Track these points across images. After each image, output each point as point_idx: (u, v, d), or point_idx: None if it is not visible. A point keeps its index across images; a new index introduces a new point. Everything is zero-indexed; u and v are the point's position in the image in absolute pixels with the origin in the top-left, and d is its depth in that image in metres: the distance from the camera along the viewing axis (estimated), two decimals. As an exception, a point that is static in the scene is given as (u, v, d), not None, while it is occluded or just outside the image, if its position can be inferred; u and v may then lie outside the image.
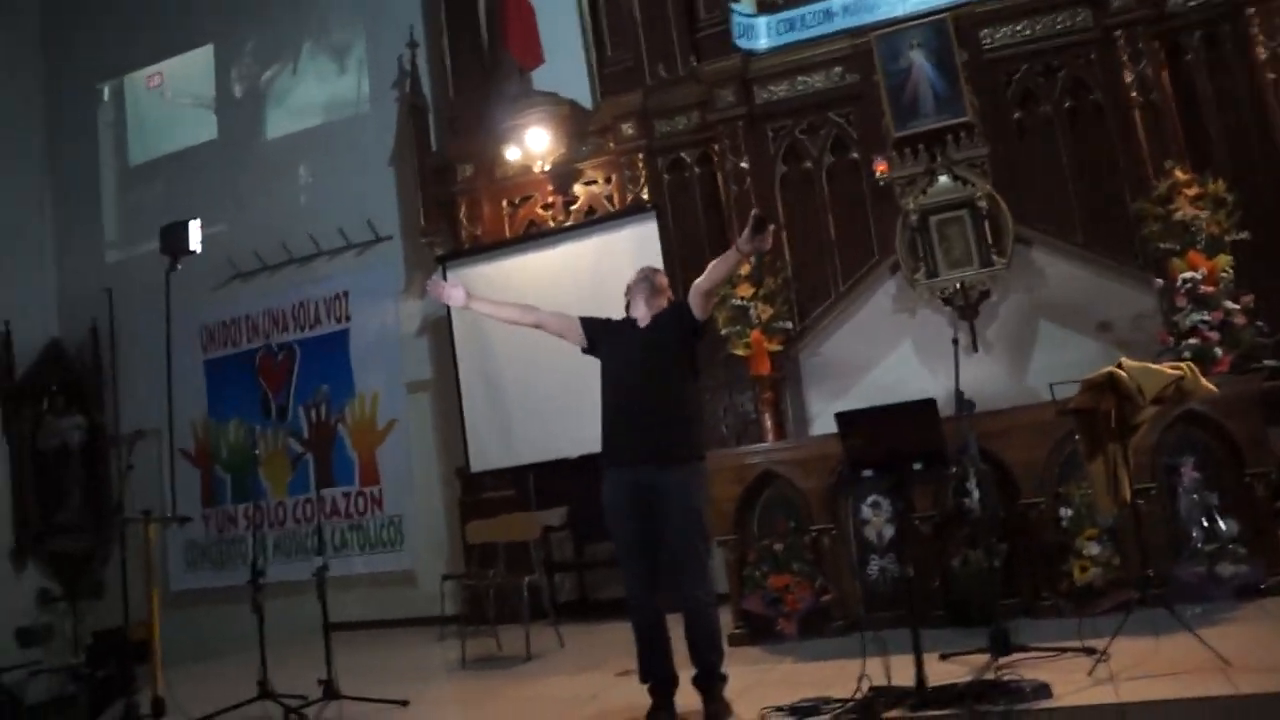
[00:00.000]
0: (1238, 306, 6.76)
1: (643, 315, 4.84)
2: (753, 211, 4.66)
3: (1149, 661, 4.37)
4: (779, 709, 4.38)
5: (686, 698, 4.60)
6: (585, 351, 4.96)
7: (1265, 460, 5.59)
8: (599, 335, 4.90)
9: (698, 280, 4.74)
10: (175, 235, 6.26)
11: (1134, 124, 7.58)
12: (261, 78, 11.32)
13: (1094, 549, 5.55)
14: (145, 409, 9.41)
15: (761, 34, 8.69)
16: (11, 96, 11.77)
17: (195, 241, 6.24)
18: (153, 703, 4.18)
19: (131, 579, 6.05)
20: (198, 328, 10.79)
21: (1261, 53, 7.40)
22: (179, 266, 6.27)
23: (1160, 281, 7.05)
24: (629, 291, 4.94)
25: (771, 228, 4.58)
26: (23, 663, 9.58)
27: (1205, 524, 5.48)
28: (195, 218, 6.45)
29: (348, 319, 10.26)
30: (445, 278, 9.31)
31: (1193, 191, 6.99)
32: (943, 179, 7.70)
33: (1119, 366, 4.76)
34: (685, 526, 4.60)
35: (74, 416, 11.19)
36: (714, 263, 4.72)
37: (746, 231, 4.45)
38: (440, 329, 9.63)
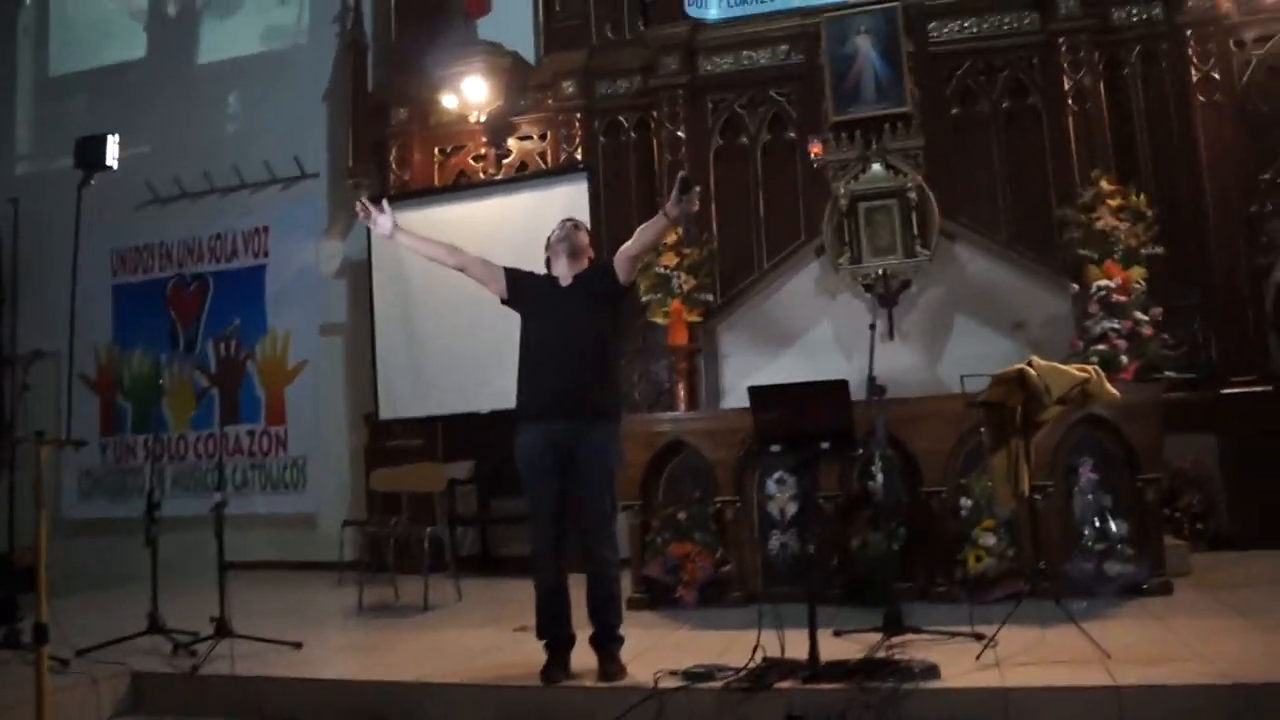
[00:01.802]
0: (1147, 318, 6.99)
1: (564, 274, 4.80)
2: (680, 173, 4.65)
3: (1035, 650, 4.50)
4: (673, 673, 4.40)
5: (582, 657, 4.62)
6: (504, 303, 4.89)
7: (1158, 467, 5.78)
8: (521, 289, 4.85)
9: (626, 245, 4.71)
10: (91, 149, 6.02)
11: (1067, 131, 7.76)
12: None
13: (990, 540, 5.69)
14: (46, 330, 9.05)
15: (713, 4, 8.70)
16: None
17: (112, 157, 6.01)
18: (35, 629, 4.06)
19: (20, 503, 5.89)
20: (108, 250, 10.46)
21: (1194, 74, 7.63)
22: (93, 182, 6.04)
23: (1076, 287, 7.24)
24: (549, 248, 4.88)
25: (697, 189, 4.56)
26: (-102, 586, 9.28)
27: (1097, 523, 5.65)
28: (114, 133, 6.22)
29: (266, 254, 10.03)
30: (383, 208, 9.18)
31: (1116, 203, 7.17)
32: (876, 167, 7.80)
33: (1029, 364, 4.86)
34: (598, 487, 4.61)
35: (-32, 331, 10.82)
36: (642, 227, 4.69)
37: (674, 194, 4.43)
38: (359, 272, 9.49)
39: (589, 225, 5.22)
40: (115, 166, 6.04)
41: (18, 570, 6.48)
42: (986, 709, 3.90)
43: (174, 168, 10.29)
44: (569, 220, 4.97)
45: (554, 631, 4.65)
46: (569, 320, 4.66)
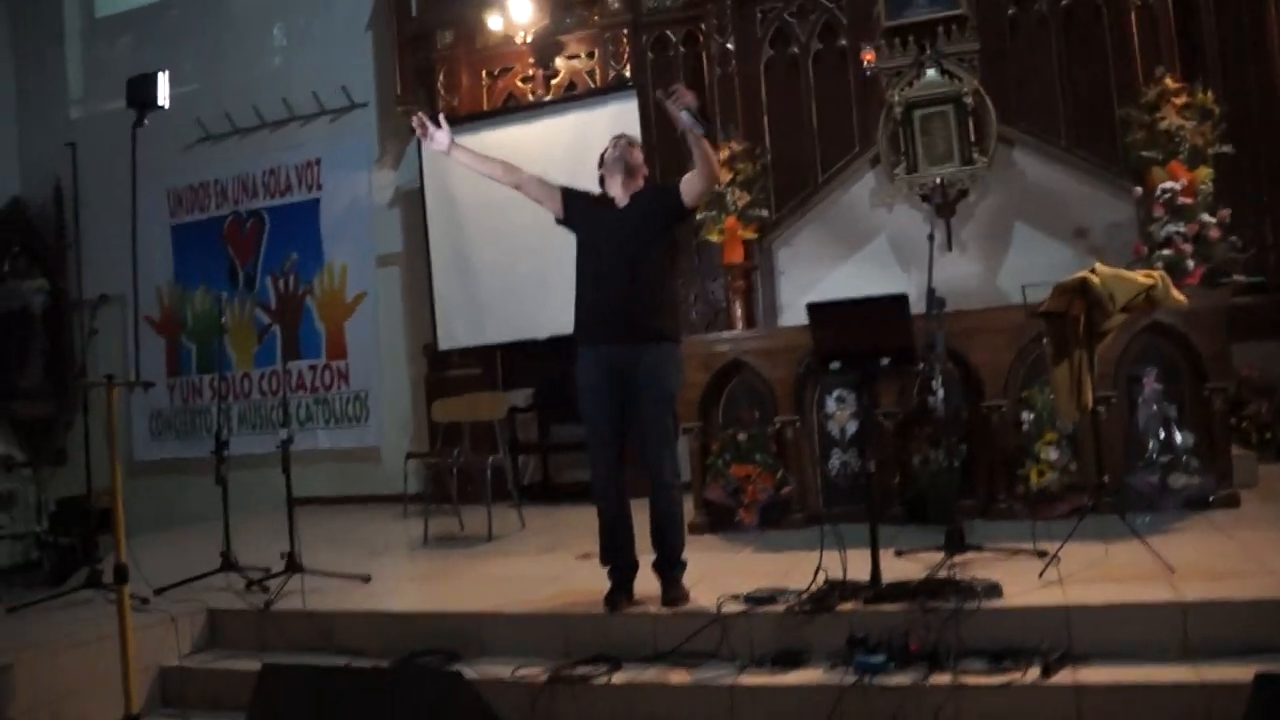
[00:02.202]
0: (1214, 220, 6.77)
1: (620, 195, 4.71)
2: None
3: (1098, 566, 4.45)
4: (735, 597, 4.42)
5: (645, 583, 4.66)
6: (559, 222, 4.81)
7: (1226, 375, 5.63)
8: (577, 209, 4.78)
9: (694, 176, 4.56)
10: (142, 88, 5.99)
11: (1129, 27, 7.44)
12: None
13: (1052, 454, 5.61)
14: (109, 273, 9.22)
15: (761, -91, 8.44)
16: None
17: (164, 95, 5.98)
18: (115, 570, 4.18)
19: (94, 446, 6.03)
20: (164, 191, 10.55)
21: (1266, -33, 7.25)
22: (146, 122, 6.02)
23: (1139, 190, 7.03)
24: (603, 166, 4.77)
25: (675, 88, 4.45)
26: (-14, 528, 9.65)
27: (1162, 435, 5.54)
28: (164, 70, 6.20)
29: (319, 187, 10.06)
30: (421, 150, 9.15)
31: (1181, 101, 6.93)
32: (930, 72, 7.60)
33: (1092, 272, 4.75)
34: (658, 409, 4.58)
35: (36, 279, 11.00)
36: (698, 159, 4.52)
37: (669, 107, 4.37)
38: (413, 201, 9.48)
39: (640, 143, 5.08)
40: (167, 105, 6.01)
41: (95, 512, 6.68)
42: (1050, 627, 3.87)
43: (224, 104, 10.31)
44: (622, 137, 4.84)
45: (617, 558, 4.68)
46: (626, 241, 4.59)
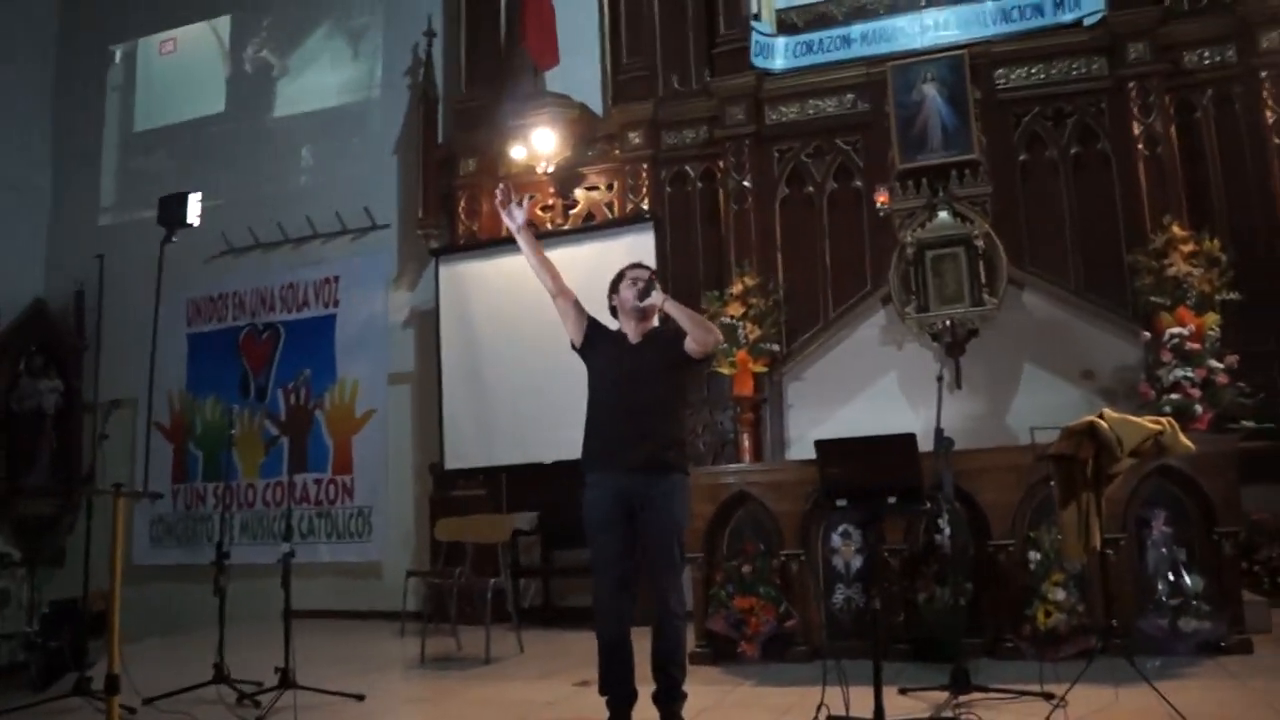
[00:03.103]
0: (1221, 365, 6.81)
1: (632, 333, 4.79)
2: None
3: (1107, 711, 4.38)
4: (734, 731, 4.35)
5: (644, 713, 4.57)
6: (574, 349, 4.87)
7: (1235, 520, 5.59)
8: (596, 340, 4.84)
9: (689, 340, 4.62)
10: (174, 207, 6.13)
11: (1137, 176, 7.64)
12: (275, 54, 11.26)
13: (1059, 594, 5.53)
14: (124, 377, 9.33)
15: (779, 54, 8.74)
16: (23, 50, 11.70)
17: (194, 215, 6.12)
18: (107, 680, 4.12)
19: (94, 548, 6.00)
20: (184, 300, 10.73)
21: (1270, 116, 7.46)
22: (175, 239, 6.18)
23: (1148, 335, 7.10)
24: (615, 293, 4.84)
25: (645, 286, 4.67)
26: (-26, 628, 9.52)
27: (1171, 578, 5.46)
28: (195, 190, 6.35)
29: (336, 304, 10.21)
30: (438, 272, 9.31)
31: (1188, 248, 7.04)
32: (943, 214, 7.75)
33: (1100, 416, 4.76)
34: (667, 539, 4.55)
35: (52, 379, 11.11)
36: (685, 325, 4.64)
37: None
38: (427, 321, 9.61)
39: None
40: (197, 223, 6.15)
41: (89, 615, 6.62)
42: (1056, 774, 3.78)
43: (248, 218, 10.57)
44: (638, 271, 4.88)
45: (617, 687, 4.59)
46: (637, 375, 4.63)
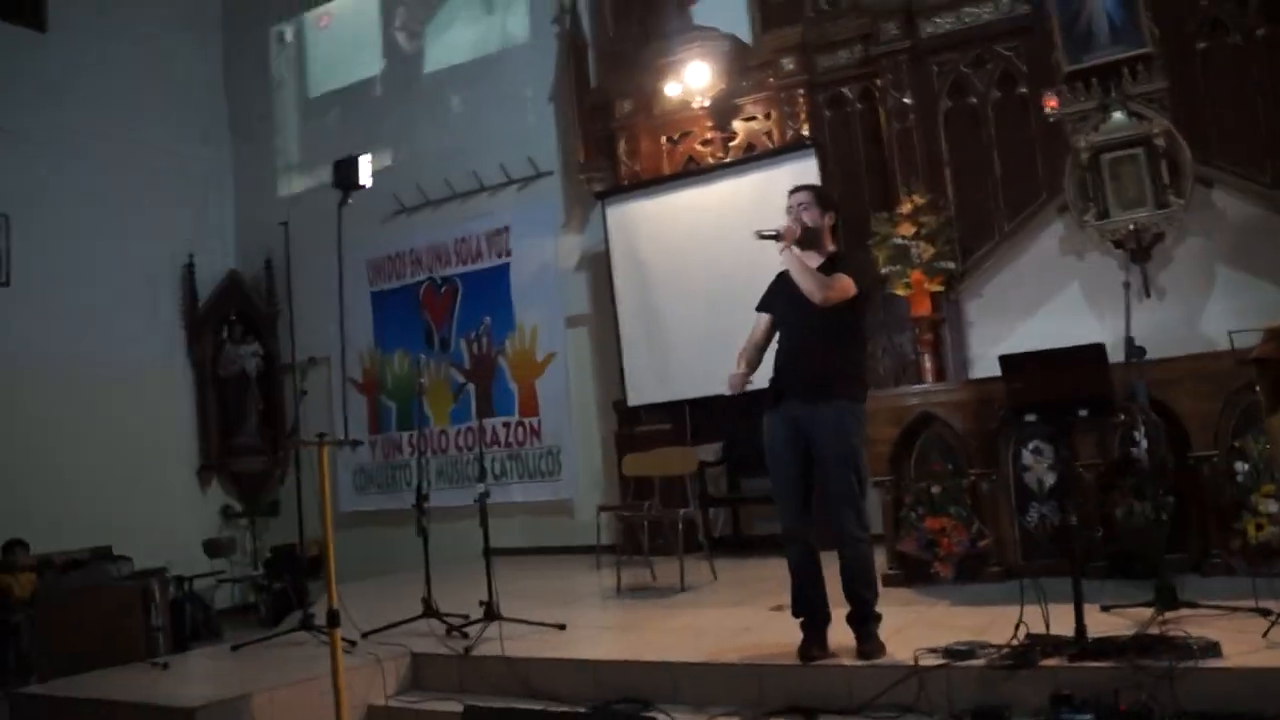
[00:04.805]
0: None
1: None
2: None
3: (1329, 625, 4.20)
4: (933, 650, 4.35)
5: (841, 635, 4.63)
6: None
7: None
8: (772, 300, 4.93)
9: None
10: (347, 170, 6.36)
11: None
12: (425, 14, 11.45)
13: (1272, 506, 5.31)
14: (316, 338, 9.79)
15: (930, -39, 8.42)
16: (192, 40, 12.26)
17: (366, 176, 6.35)
18: (328, 615, 4.42)
19: (305, 499, 6.39)
20: (364, 261, 11.17)
21: None
22: (350, 201, 6.43)
23: (1356, 225, 6.65)
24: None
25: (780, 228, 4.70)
26: (210, 572, 10.29)
27: (1397, 481, 5.19)
28: (366, 153, 6.59)
29: (509, 253, 10.46)
30: (605, 215, 9.43)
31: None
32: (1117, 115, 7.39)
33: (1306, 314, 4.53)
34: (839, 464, 4.60)
35: (251, 344, 11.85)
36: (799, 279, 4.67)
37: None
38: (599, 264, 9.75)
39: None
40: (369, 185, 6.38)
41: (306, 560, 7.08)
42: (1276, 691, 3.65)
43: (416, 176, 10.89)
44: (793, 198, 4.89)
45: (809, 609, 4.68)
46: (800, 310, 4.68)
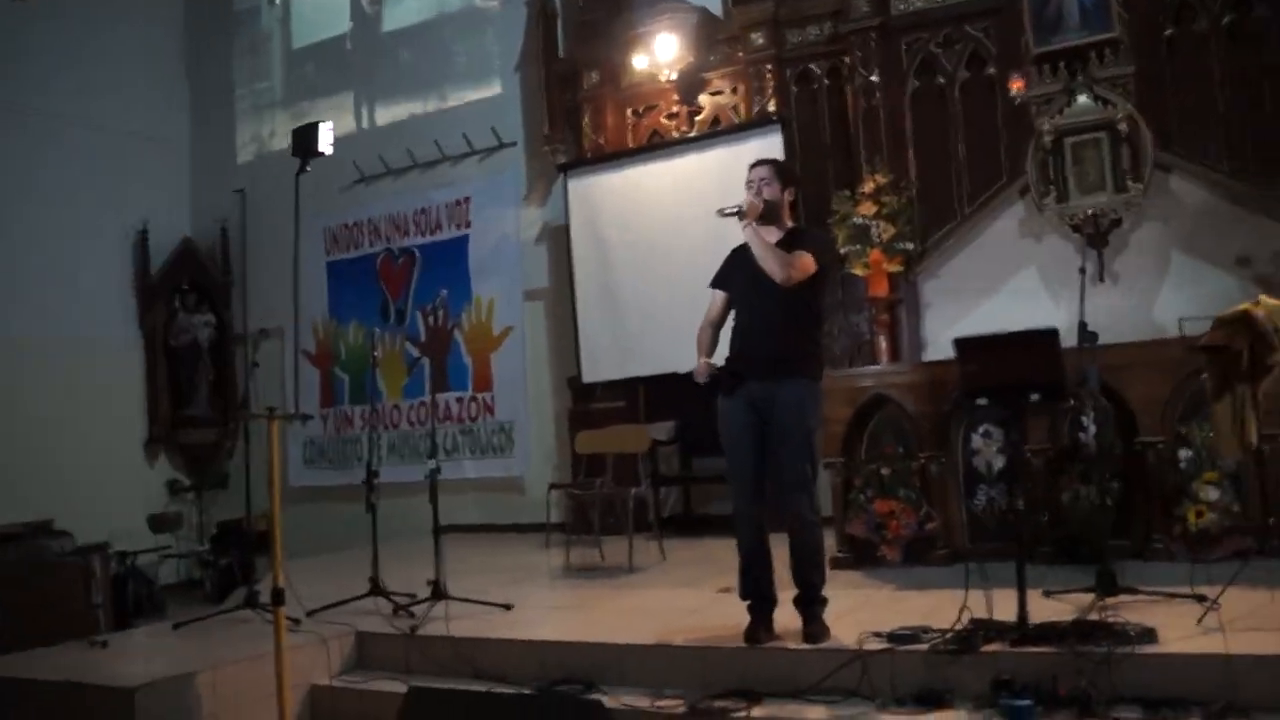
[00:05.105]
0: (1391, 245, 6.38)
1: None
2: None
3: (1263, 613, 4.23)
4: (877, 634, 4.36)
5: (787, 618, 4.62)
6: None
7: (1407, 412, 5.28)
8: (728, 277, 4.88)
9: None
10: (306, 137, 6.25)
11: (1299, 44, 7.07)
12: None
13: (1213, 493, 5.35)
14: (270, 309, 9.67)
15: (903, -62, 8.36)
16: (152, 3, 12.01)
17: (326, 144, 6.22)
18: (273, 593, 4.36)
19: (254, 473, 6.31)
20: (321, 230, 10.99)
21: None
22: (309, 169, 6.31)
23: (1308, 215, 6.68)
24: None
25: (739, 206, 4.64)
26: (154, 547, 10.15)
27: (1337, 475, 5.24)
28: (326, 120, 6.47)
29: (468, 225, 10.34)
30: (567, 187, 9.34)
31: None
32: (1082, 99, 7.38)
33: (1256, 304, 4.54)
34: (795, 446, 4.58)
35: (205, 314, 11.63)
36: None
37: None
38: (559, 237, 9.67)
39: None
40: (329, 152, 6.26)
41: (253, 535, 7.00)
42: (1210, 677, 3.69)
43: (377, 146, 10.73)
44: (753, 172, 4.83)
45: (757, 592, 4.66)
46: (759, 287, 4.64)
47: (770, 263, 4.57)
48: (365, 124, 10.89)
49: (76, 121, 10.84)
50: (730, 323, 4.89)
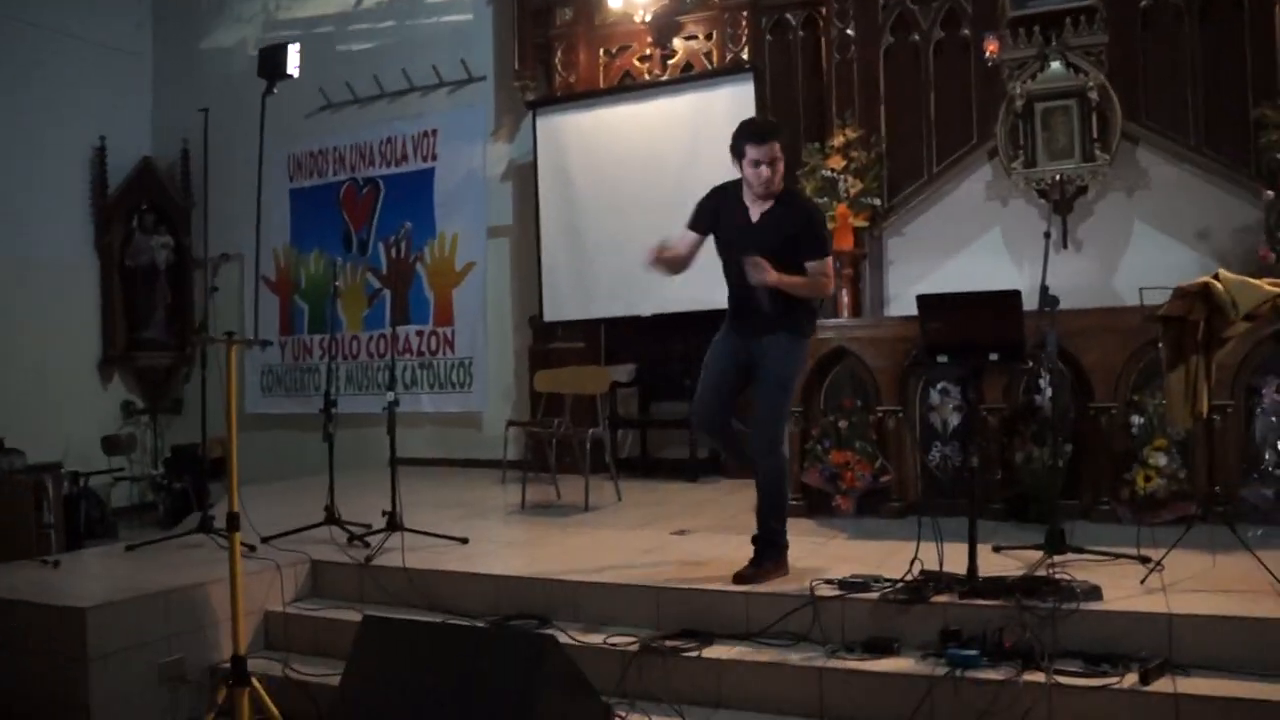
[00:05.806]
0: (1349, 226, 6.50)
1: (753, 209, 4.76)
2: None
3: (1204, 576, 4.36)
4: (829, 581, 4.44)
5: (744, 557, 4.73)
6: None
7: (1354, 387, 5.43)
8: (710, 218, 4.85)
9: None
10: (273, 58, 6.14)
11: (1272, 23, 7.13)
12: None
13: (1161, 460, 5.48)
14: (231, 233, 9.45)
15: (884, -111, 8.29)
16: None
17: (294, 66, 6.12)
18: (228, 518, 4.34)
19: (210, 397, 6.24)
20: (285, 155, 10.82)
21: None
22: (275, 91, 6.20)
23: (1270, 194, 6.78)
24: (737, 161, 4.73)
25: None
26: (107, 469, 10.04)
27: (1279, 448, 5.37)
28: (295, 41, 6.35)
29: (434, 158, 10.22)
30: (535, 125, 9.25)
31: (1322, 99, 6.64)
32: (1055, 65, 7.42)
33: (1215, 277, 4.61)
34: (777, 387, 4.73)
35: (163, 235, 11.40)
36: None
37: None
38: (525, 175, 9.59)
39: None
40: (297, 75, 6.16)
41: (208, 460, 6.96)
42: (1150, 634, 3.80)
43: (344, 73, 10.54)
44: (767, 148, 4.64)
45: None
46: (755, 248, 4.62)
47: (804, 293, 4.71)
48: (332, 50, 10.66)
49: (31, 27, 10.51)
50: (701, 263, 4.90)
